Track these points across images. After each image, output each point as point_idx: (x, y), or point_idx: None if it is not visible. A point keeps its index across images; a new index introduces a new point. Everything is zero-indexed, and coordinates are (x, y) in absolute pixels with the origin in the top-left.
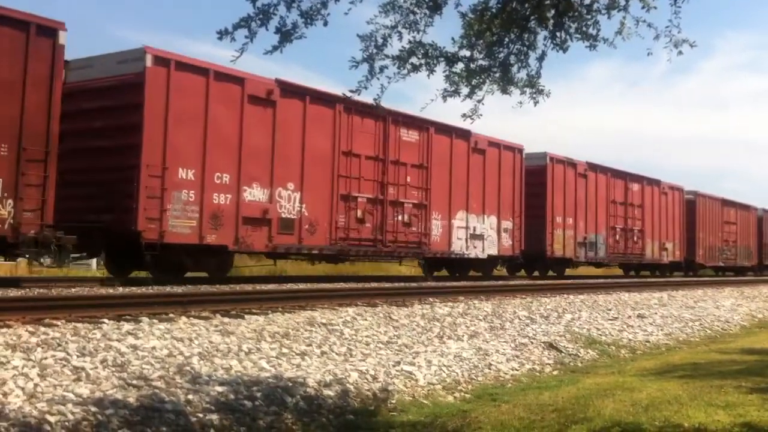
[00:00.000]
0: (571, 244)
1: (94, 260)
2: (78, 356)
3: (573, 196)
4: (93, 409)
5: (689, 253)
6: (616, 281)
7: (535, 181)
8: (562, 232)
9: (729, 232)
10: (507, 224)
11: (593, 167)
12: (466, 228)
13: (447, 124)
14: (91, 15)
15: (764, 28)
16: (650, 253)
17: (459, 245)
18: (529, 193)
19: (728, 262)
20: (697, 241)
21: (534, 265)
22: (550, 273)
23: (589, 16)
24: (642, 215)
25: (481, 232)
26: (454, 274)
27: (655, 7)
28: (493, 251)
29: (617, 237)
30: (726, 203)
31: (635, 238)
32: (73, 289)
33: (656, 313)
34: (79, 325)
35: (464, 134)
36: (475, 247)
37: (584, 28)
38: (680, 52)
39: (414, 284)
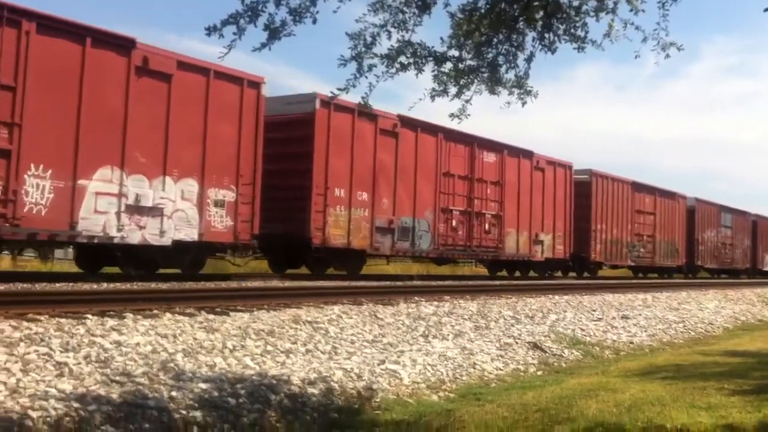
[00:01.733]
0: (364, 229)
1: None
2: (61, 351)
3: (371, 162)
4: (76, 404)
5: (580, 248)
6: (601, 282)
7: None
8: (345, 211)
9: (643, 224)
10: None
11: (410, 123)
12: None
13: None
14: (78, 9)
15: (751, 31)
16: (513, 247)
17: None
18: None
19: (641, 261)
20: (592, 234)
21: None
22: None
23: (577, 18)
24: (500, 196)
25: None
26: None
27: (643, 10)
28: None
29: (454, 223)
30: (639, 188)
31: (487, 226)
32: (56, 285)
33: (640, 315)
34: (62, 320)
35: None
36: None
37: (572, 30)
38: (668, 55)
39: (400, 283)
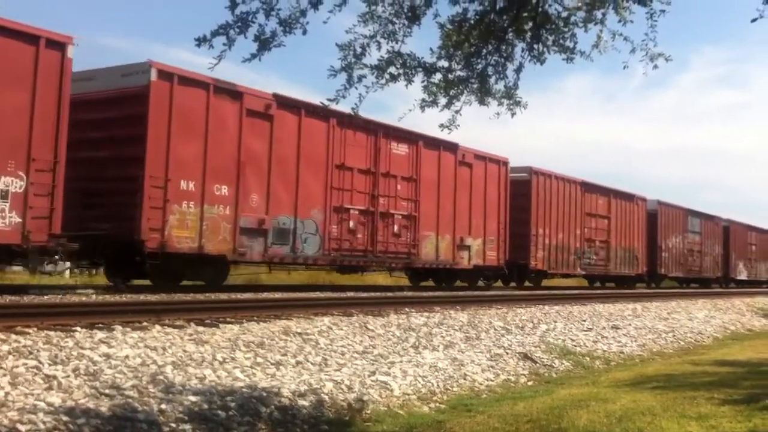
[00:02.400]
0: (224, 230)
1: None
2: (50, 365)
3: (233, 149)
4: (65, 418)
5: (518, 255)
6: (591, 292)
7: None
8: (196, 208)
9: (596, 229)
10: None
11: (291, 104)
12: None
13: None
14: (67, 19)
15: (738, 42)
16: (431, 253)
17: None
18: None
19: (594, 270)
20: (532, 239)
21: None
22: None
23: (566, 29)
24: (415, 194)
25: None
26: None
27: (632, 21)
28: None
29: (351, 224)
30: (591, 188)
31: (397, 229)
32: (45, 297)
33: (630, 325)
34: (51, 333)
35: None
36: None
37: (561, 41)
38: (656, 66)
39: (390, 294)
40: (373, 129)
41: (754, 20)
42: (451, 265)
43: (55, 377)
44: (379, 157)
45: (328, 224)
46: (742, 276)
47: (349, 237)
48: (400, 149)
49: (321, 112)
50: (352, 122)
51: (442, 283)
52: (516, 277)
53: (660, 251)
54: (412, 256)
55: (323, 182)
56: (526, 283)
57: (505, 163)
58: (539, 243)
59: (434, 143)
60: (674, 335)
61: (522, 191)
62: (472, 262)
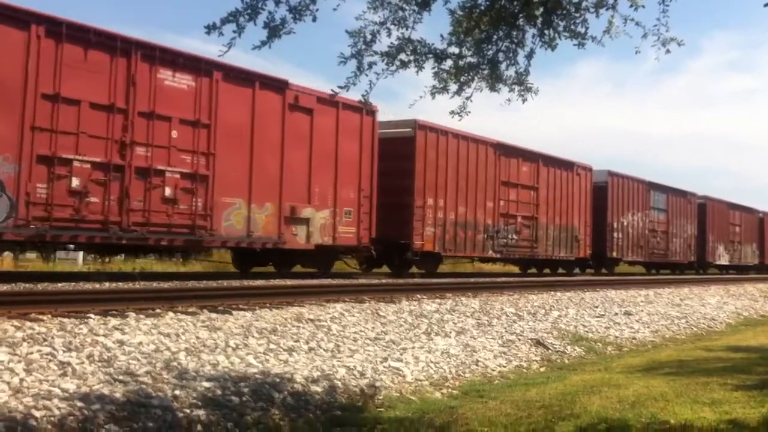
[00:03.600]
0: None
1: (81, 255)
2: (64, 351)
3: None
4: (79, 404)
5: (395, 232)
6: (601, 278)
7: None
8: None
9: (517, 202)
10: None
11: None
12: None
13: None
14: (75, 7)
15: (750, 27)
16: (240, 227)
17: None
18: None
19: (514, 252)
20: (416, 212)
21: None
22: None
23: (577, 15)
24: (208, 144)
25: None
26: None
27: (643, 6)
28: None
29: (77, 183)
30: (508, 151)
31: (171, 192)
32: (59, 284)
33: (643, 311)
34: (65, 320)
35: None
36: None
37: (573, 27)
38: (668, 51)
39: (401, 281)
40: (122, 47)
41: (766, 5)
42: (276, 243)
43: (69, 364)
44: (135, 89)
45: (28, 180)
46: (723, 260)
47: (73, 201)
48: (179, 81)
49: (22, 17)
50: (72, 33)
51: (277, 267)
52: (398, 259)
53: (611, 231)
54: (201, 231)
55: (17, 120)
56: (426, 271)
57: (372, 112)
58: (428, 217)
59: (245, 77)
60: (687, 321)
61: (403, 151)
62: (314, 240)
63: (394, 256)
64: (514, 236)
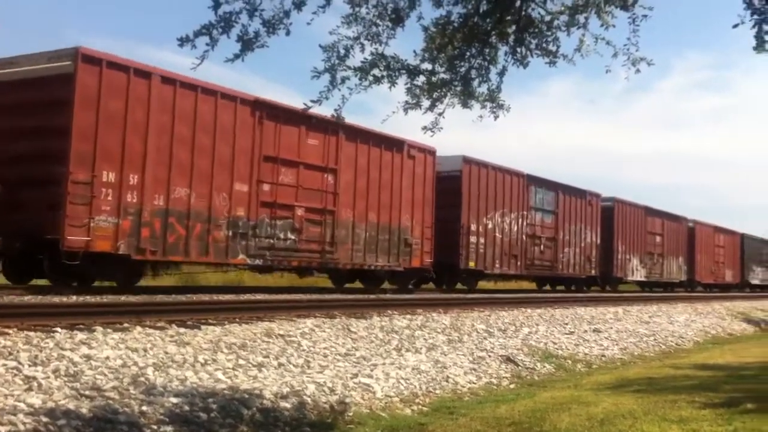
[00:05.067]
0: None
1: None
2: (30, 365)
3: None
4: (45, 419)
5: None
6: (573, 296)
7: None
8: None
9: (281, 186)
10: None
11: None
12: None
13: None
14: (50, 20)
15: (721, 47)
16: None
17: None
18: None
19: (278, 257)
20: (70, 192)
21: None
22: None
23: (549, 33)
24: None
25: None
26: None
27: (614, 26)
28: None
29: None
30: (273, 113)
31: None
32: (25, 297)
33: (612, 328)
34: (31, 333)
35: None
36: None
37: (544, 45)
38: (638, 70)
39: (373, 296)
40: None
41: (735, 26)
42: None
43: (35, 378)
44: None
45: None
46: (638, 276)
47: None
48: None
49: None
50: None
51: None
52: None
53: (466, 235)
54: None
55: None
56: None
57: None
58: (105, 199)
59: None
60: (655, 339)
61: (54, 96)
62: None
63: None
64: (285, 236)
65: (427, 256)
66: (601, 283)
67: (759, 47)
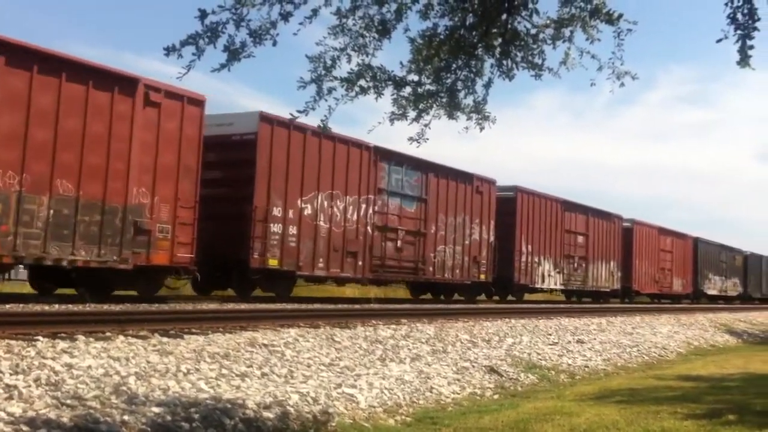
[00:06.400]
0: None
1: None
2: (11, 374)
3: None
4: (25, 428)
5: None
6: (557, 306)
7: None
8: None
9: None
10: None
11: None
12: None
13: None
14: (36, 28)
15: (705, 61)
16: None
17: None
18: None
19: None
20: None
21: None
22: None
23: (534, 46)
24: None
25: None
26: None
27: (599, 39)
28: None
29: None
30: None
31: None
32: (7, 306)
33: (595, 339)
34: (12, 342)
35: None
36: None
37: (530, 57)
38: (622, 84)
39: (357, 306)
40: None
41: (719, 40)
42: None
43: (15, 387)
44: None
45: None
46: (550, 283)
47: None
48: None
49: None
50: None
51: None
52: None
53: (264, 223)
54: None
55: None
56: None
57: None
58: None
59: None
60: (639, 350)
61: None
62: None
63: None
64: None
65: (188, 251)
66: (496, 291)
67: (742, 62)
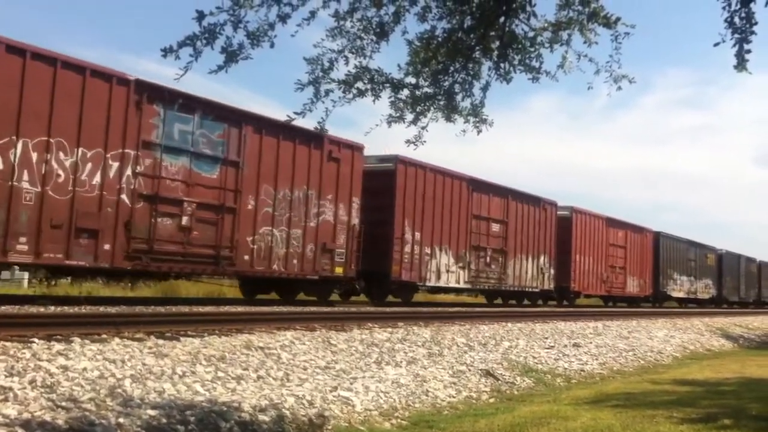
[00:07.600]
0: None
1: (27, 276)
2: (6, 376)
3: None
4: (20, 430)
5: None
6: (553, 310)
7: None
8: None
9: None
10: None
11: None
12: None
13: None
14: (34, 29)
15: (702, 65)
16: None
17: None
18: None
19: None
20: None
21: None
22: None
23: (532, 49)
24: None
25: None
26: None
27: (596, 43)
28: None
29: None
30: None
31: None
32: (2, 307)
33: (591, 343)
34: (8, 344)
35: None
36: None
37: (527, 61)
38: (619, 88)
39: (354, 309)
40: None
41: (716, 44)
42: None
43: (11, 389)
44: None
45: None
46: (451, 280)
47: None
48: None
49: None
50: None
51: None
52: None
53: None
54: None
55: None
56: None
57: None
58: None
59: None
60: (634, 354)
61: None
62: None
63: None
64: None
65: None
66: (361, 289)
67: (739, 66)
